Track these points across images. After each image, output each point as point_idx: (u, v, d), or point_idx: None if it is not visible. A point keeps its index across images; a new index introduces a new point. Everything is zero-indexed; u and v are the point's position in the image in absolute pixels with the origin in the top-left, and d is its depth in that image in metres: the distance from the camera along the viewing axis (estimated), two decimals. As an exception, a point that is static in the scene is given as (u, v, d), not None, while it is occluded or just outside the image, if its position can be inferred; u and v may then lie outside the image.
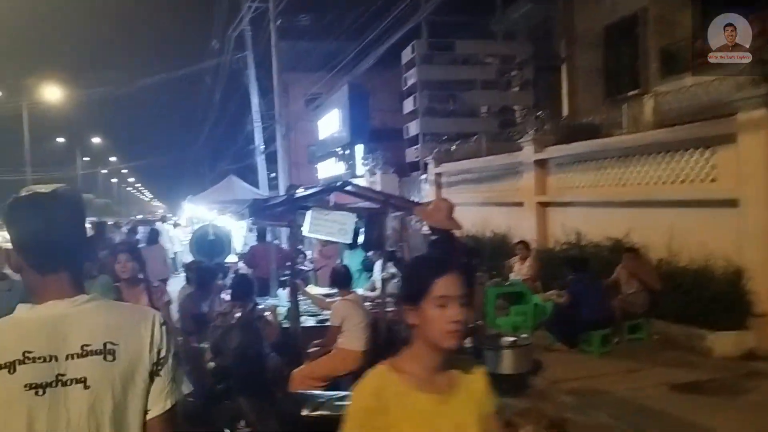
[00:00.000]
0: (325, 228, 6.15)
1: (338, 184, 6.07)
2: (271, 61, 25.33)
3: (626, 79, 19.86)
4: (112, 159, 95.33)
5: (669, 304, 8.59)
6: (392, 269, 6.57)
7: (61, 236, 1.60)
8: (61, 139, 79.35)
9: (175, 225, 23.73)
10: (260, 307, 6.41)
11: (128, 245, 6.25)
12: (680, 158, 9.06)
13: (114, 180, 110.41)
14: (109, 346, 1.56)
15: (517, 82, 23.52)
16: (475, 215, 14.28)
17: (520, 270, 10.46)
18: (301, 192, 6.25)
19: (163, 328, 1.68)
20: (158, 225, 20.44)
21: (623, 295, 8.49)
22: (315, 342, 5.98)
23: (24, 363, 1.49)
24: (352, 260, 8.16)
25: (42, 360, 1.50)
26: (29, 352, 1.50)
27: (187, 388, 1.74)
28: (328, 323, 6.04)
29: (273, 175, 28.68)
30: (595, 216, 10.87)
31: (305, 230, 6.14)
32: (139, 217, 42.47)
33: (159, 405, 1.64)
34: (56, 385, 1.50)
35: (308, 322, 6.34)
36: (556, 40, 22.48)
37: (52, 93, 47.50)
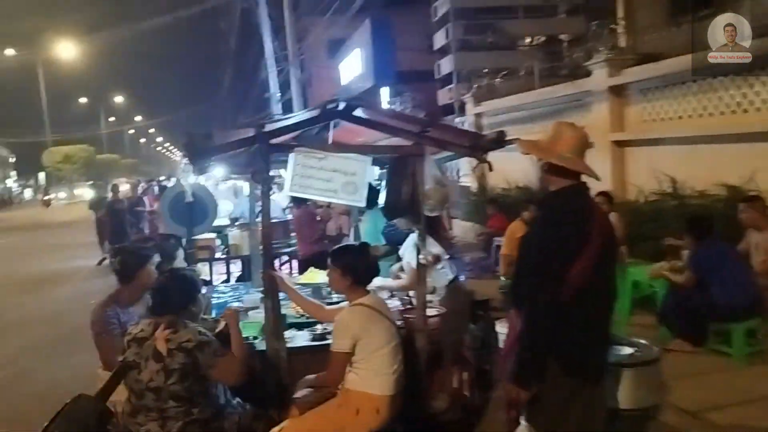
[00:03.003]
0: (319, 183, 3.64)
1: (340, 106, 3.49)
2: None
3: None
4: (138, 118, 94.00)
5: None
6: (435, 248, 4.04)
7: None
8: (83, 99, 78.06)
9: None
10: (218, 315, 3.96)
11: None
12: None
13: (142, 140, 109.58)
14: None
15: (565, 7, 20.38)
16: (526, 161, 11.55)
17: (599, 231, 7.85)
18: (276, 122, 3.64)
19: None
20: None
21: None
22: (307, 378, 3.52)
23: None
24: (371, 229, 5.64)
25: None
26: None
27: None
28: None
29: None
30: (699, 156, 8.12)
31: (286, 187, 3.62)
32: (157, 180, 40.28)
33: None
34: None
35: (298, 339, 3.87)
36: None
37: (67, 49, 45.49)
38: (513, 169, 10.85)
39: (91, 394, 5.29)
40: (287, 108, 25.17)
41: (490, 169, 3.84)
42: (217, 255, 8.35)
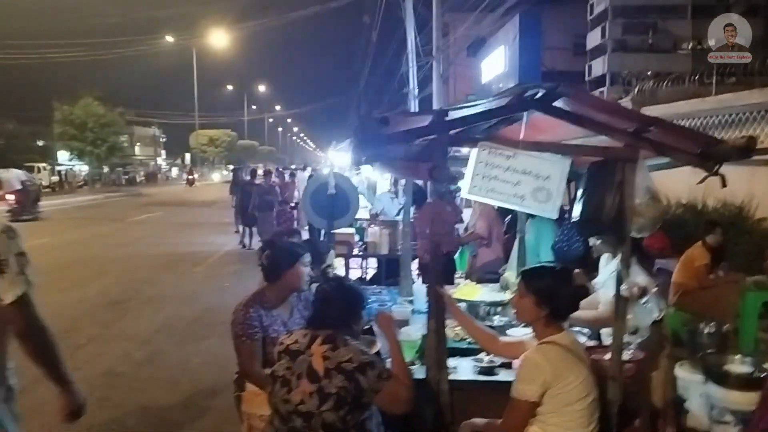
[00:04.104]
0: (504, 186, 3.00)
1: (537, 93, 2.83)
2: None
3: None
4: (277, 108, 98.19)
5: None
6: (640, 277, 3.27)
7: None
8: (229, 87, 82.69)
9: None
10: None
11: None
12: None
13: (280, 129, 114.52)
14: None
15: (741, 7, 18.33)
16: (690, 176, 10.22)
17: (797, 264, 6.63)
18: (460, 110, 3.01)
19: (4, 235, 2.27)
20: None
21: None
22: (475, 422, 2.90)
23: None
24: (532, 242, 4.93)
25: None
26: None
27: (34, 279, 2.33)
28: (507, 379, 2.97)
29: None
30: None
31: (464, 189, 3.01)
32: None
33: (9, 294, 2.25)
34: None
35: (462, 371, 3.27)
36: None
37: (219, 38, 47.88)
38: (673, 182, 9.67)
39: (222, 386, 4.98)
40: (425, 105, 24.73)
41: (724, 185, 3.03)
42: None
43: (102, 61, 46.01)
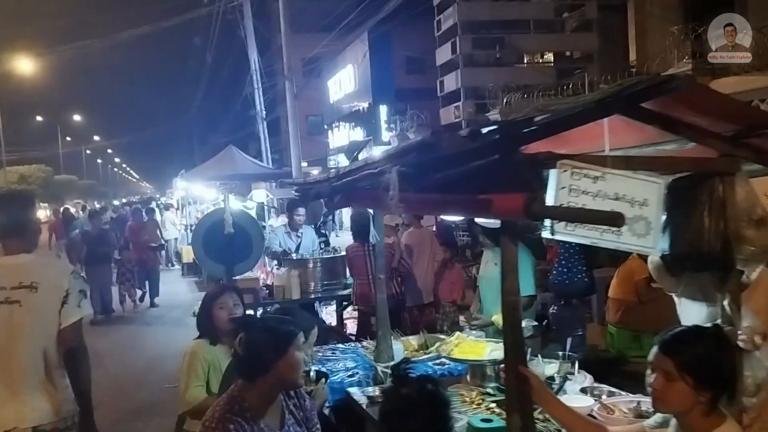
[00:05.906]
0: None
1: (626, 91, 2.05)
2: (269, 13, 21.12)
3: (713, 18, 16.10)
4: (96, 138, 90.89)
5: None
6: (749, 320, 2.59)
7: (9, 221, 3.07)
8: (39, 118, 74.91)
9: (166, 207, 19.57)
10: None
11: None
12: None
13: (99, 160, 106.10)
14: (34, 284, 2.94)
15: (574, 21, 19.50)
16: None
17: None
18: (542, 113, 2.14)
19: (72, 276, 3.09)
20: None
21: None
22: None
23: None
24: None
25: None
26: None
27: (87, 310, 3.17)
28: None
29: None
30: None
31: (547, 228, 2.14)
32: (124, 200, 38.06)
33: (67, 320, 2.98)
34: (5, 303, 2.92)
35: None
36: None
37: (24, 65, 42.95)
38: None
39: None
40: (274, 127, 23.58)
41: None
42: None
43: None
